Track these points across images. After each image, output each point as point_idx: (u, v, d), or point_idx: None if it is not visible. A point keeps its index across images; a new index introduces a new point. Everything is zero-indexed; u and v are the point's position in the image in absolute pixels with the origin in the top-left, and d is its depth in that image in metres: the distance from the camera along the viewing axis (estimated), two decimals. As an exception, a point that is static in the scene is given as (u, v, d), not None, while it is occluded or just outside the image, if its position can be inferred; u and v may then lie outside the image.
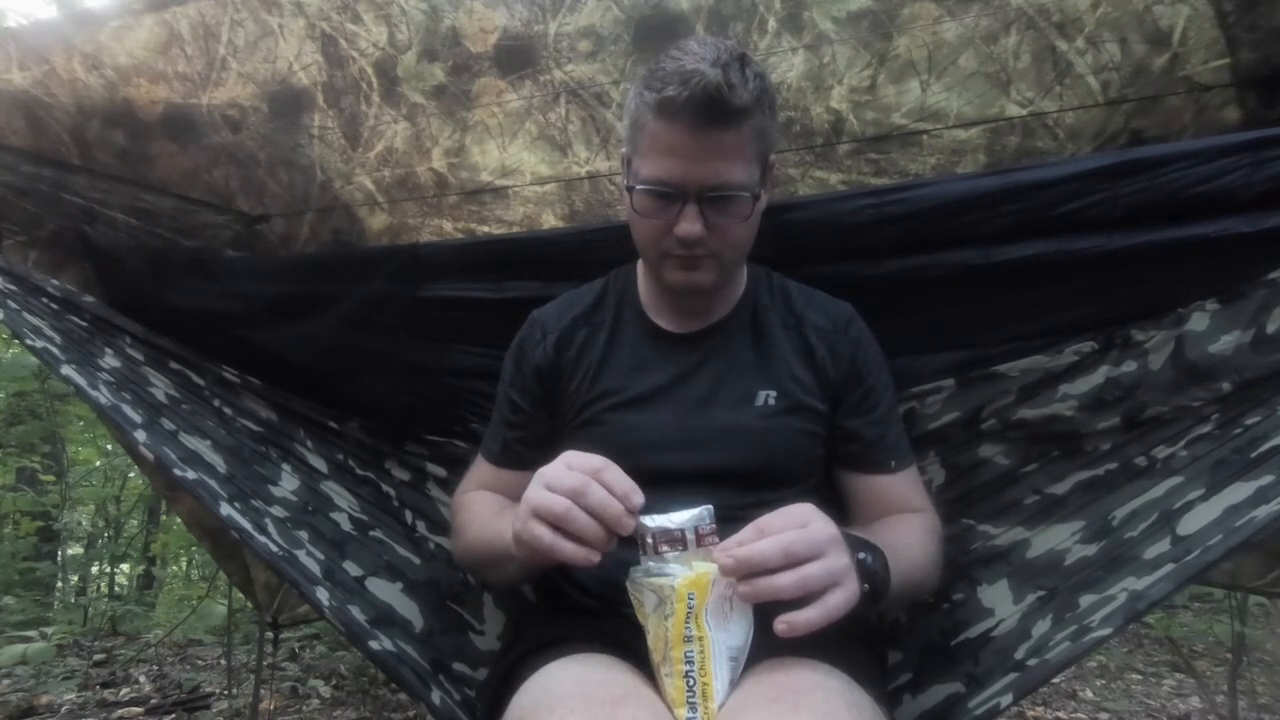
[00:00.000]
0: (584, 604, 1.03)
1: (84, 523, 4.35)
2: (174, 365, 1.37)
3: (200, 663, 2.90)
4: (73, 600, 4.00)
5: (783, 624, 0.72)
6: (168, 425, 1.19)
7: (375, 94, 1.30)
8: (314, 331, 1.40)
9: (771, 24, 1.14)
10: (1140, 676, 2.95)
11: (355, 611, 1.13)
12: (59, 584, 4.16)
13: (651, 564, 0.77)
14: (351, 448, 1.48)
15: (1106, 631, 0.92)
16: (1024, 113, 1.11)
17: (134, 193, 1.40)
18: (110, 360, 1.25)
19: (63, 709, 2.29)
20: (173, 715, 2.28)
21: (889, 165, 1.19)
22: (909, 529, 1.00)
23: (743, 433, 1.01)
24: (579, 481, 0.77)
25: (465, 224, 1.39)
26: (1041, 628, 1.04)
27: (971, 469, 1.23)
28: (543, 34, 1.21)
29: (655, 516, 0.77)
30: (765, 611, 0.75)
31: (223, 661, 2.65)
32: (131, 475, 3.47)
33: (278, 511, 1.22)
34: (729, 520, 0.78)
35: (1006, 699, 0.99)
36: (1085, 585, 1.03)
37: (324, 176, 1.39)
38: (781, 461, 1.02)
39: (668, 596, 0.75)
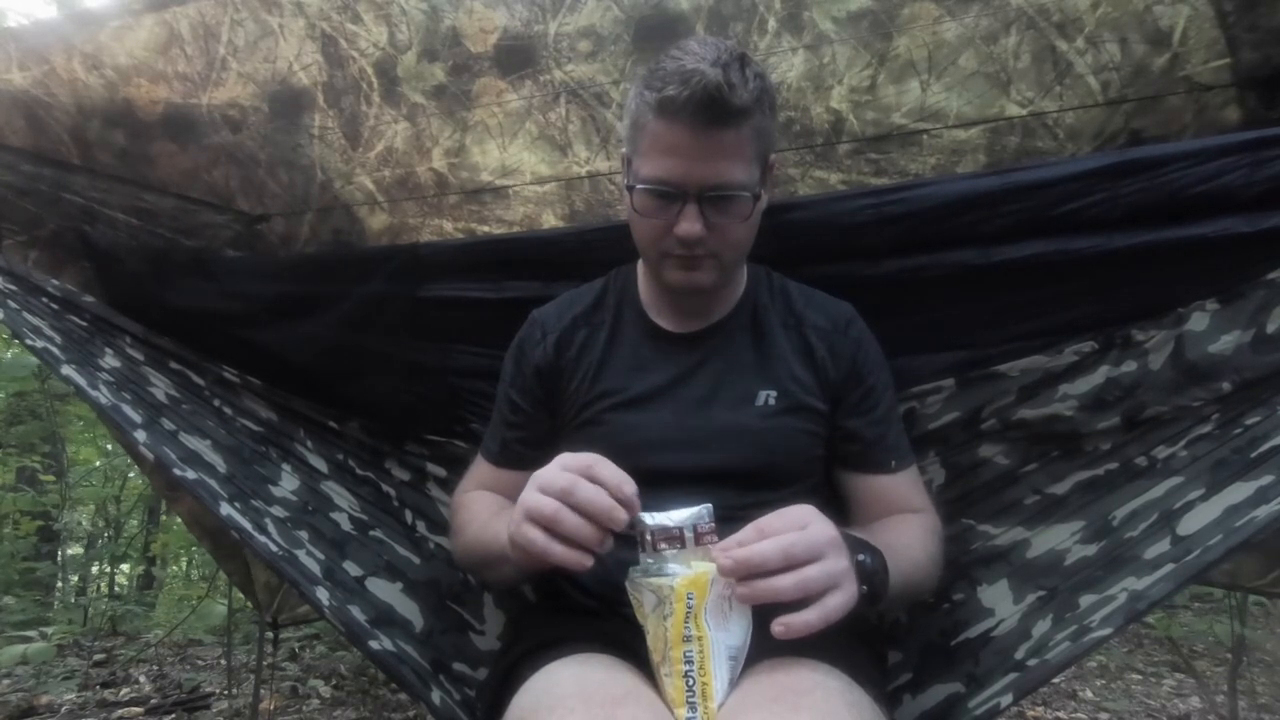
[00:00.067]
0: (584, 604, 1.03)
1: (84, 523, 4.35)
2: (174, 365, 1.37)
3: (200, 663, 2.90)
4: (73, 600, 4.00)
5: (780, 626, 0.72)
6: (168, 425, 1.19)
7: (375, 94, 1.30)
8: (314, 331, 1.40)
9: (771, 24, 1.14)
10: (1140, 676, 2.95)
11: (355, 611, 1.13)
12: (59, 584, 4.16)
13: (650, 563, 0.77)
14: (351, 448, 1.48)
15: (1106, 631, 0.92)
16: (1024, 113, 1.11)
17: (134, 193, 1.40)
18: (110, 360, 1.25)
19: (63, 709, 2.29)
20: (173, 715, 2.28)
21: (889, 165, 1.19)
22: (909, 529, 1.00)
23: (743, 433, 1.01)
24: (568, 481, 0.77)
25: (465, 224, 1.39)
26: (1041, 628, 1.04)
27: (971, 469, 1.23)
28: (543, 34, 1.21)
29: (655, 514, 0.77)
30: (764, 611, 0.75)
31: (223, 661, 2.65)
32: (131, 475, 3.47)
33: (278, 511, 1.22)
34: (729, 520, 0.78)
35: (1006, 699, 0.99)
36: (1085, 585, 1.03)
37: (324, 176, 1.39)
38: (781, 461, 1.02)
39: (667, 596, 0.75)
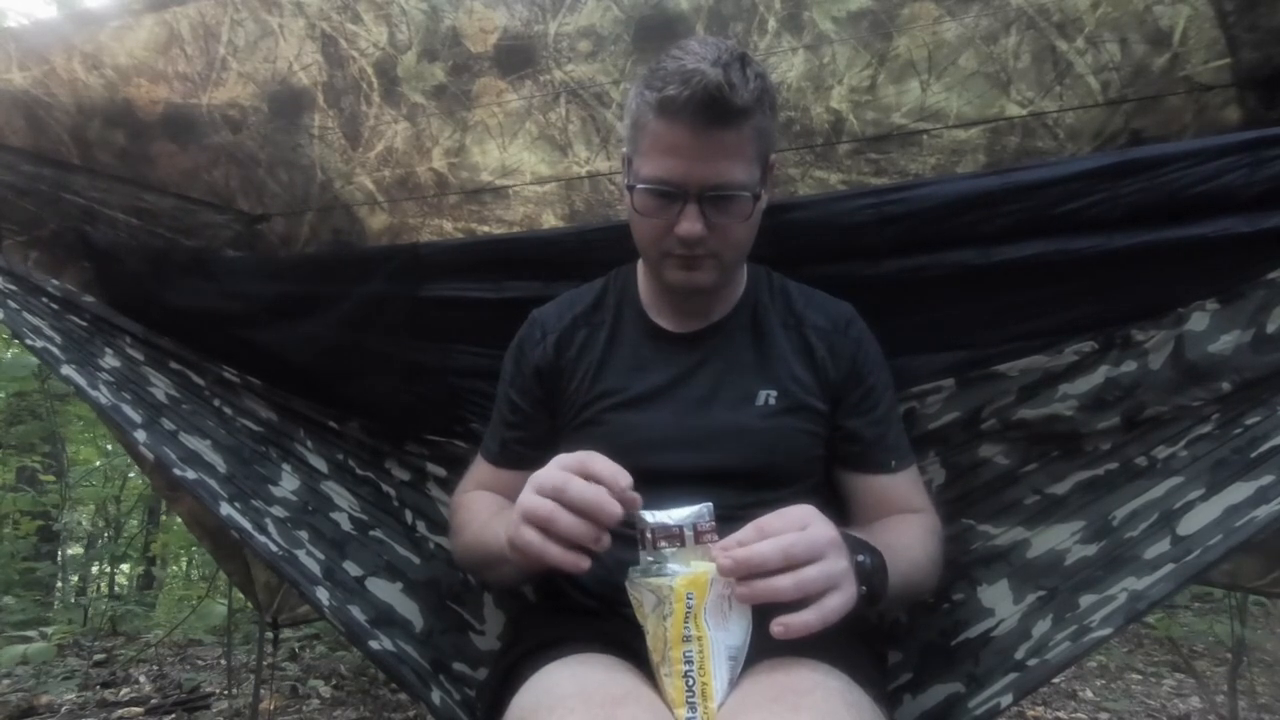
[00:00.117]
0: (584, 604, 1.03)
1: (84, 523, 4.35)
2: (174, 365, 1.37)
3: (200, 663, 2.90)
4: (73, 600, 4.00)
5: (779, 626, 0.72)
6: (168, 425, 1.19)
7: (375, 94, 1.30)
8: (314, 331, 1.40)
9: (771, 24, 1.14)
10: (1140, 676, 2.95)
11: (355, 611, 1.13)
12: (59, 584, 4.16)
13: (650, 561, 0.77)
14: (351, 448, 1.48)
15: (1106, 631, 0.92)
16: (1024, 113, 1.11)
17: (134, 193, 1.40)
18: (110, 360, 1.25)
19: (63, 709, 2.29)
20: (173, 715, 2.28)
21: (889, 165, 1.19)
22: (909, 530, 1.00)
23: (743, 432, 1.01)
24: (561, 480, 0.77)
25: (465, 224, 1.39)
26: (1041, 628, 1.04)
27: (971, 469, 1.23)
28: (543, 34, 1.20)
29: (655, 512, 0.77)
30: (764, 611, 0.75)
31: (223, 661, 2.65)
32: (131, 475, 3.47)
33: (278, 511, 1.22)
34: (729, 520, 0.78)
35: (1006, 699, 0.99)
36: (1085, 585, 1.03)
37: (324, 176, 1.39)
38: (781, 461, 1.02)
39: (666, 596, 0.75)
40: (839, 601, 0.74)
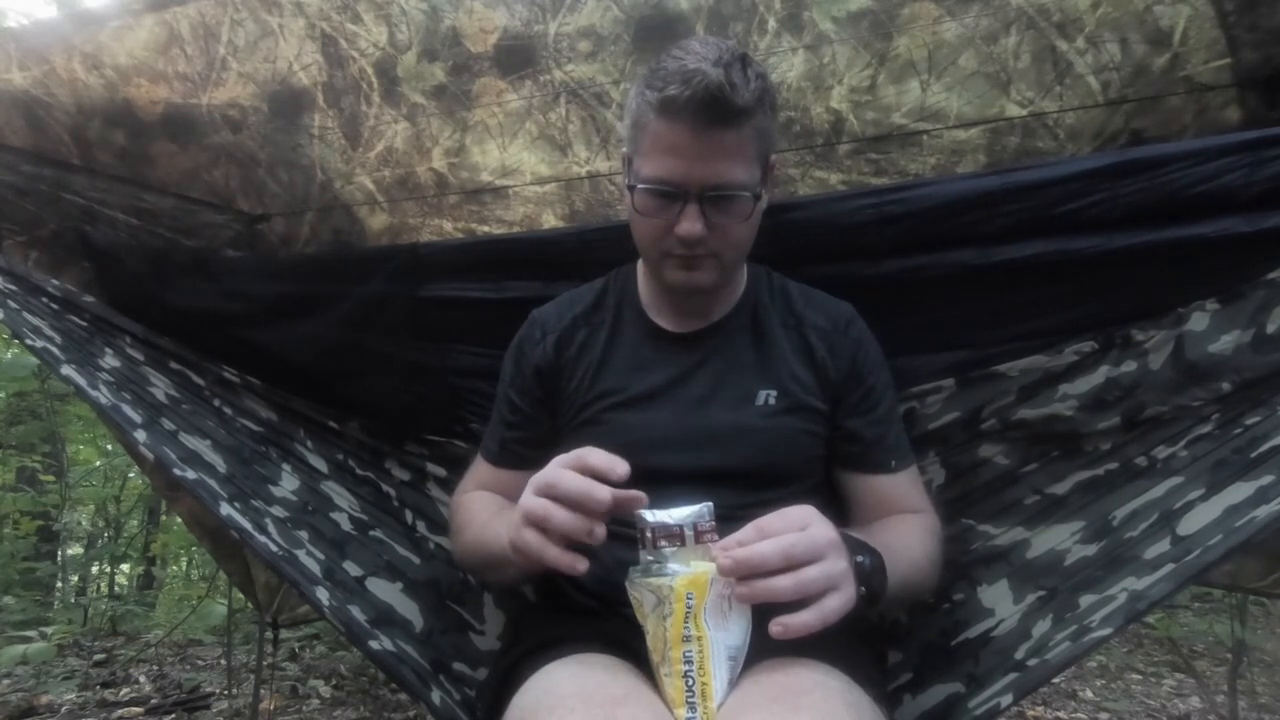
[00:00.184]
0: (584, 604, 1.03)
1: (84, 523, 4.35)
2: (174, 365, 1.37)
3: (200, 663, 2.90)
4: (73, 600, 4.00)
5: (778, 626, 0.72)
6: (168, 425, 1.19)
7: (375, 94, 1.30)
8: (314, 331, 1.40)
9: (771, 24, 1.14)
10: (1140, 676, 2.95)
11: (355, 611, 1.13)
12: (59, 584, 4.16)
13: (650, 561, 0.77)
14: (351, 448, 1.48)
15: (1106, 631, 0.92)
16: (1024, 113, 1.11)
17: (134, 193, 1.40)
18: (110, 360, 1.25)
19: (63, 709, 2.29)
20: (173, 715, 2.28)
21: (889, 165, 1.19)
22: (908, 530, 1.00)
23: (743, 432, 1.01)
24: (554, 476, 0.78)
25: (465, 224, 1.39)
26: (1042, 628, 1.04)
27: (971, 469, 1.23)
28: (543, 34, 1.20)
29: (655, 512, 0.77)
30: (764, 611, 0.75)
31: (223, 661, 2.65)
32: (131, 475, 3.47)
33: (278, 511, 1.22)
34: (729, 520, 0.78)
35: (1006, 699, 0.99)
36: (1085, 585, 1.03)
37: (324, 176, 1.39)
38: (781, 461, 1.02)
39: (666, 596, 0.75)
40: (838, 602, 0.74)
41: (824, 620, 0.73)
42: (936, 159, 1.17)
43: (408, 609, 1.26)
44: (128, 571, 4.57)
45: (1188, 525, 0.97)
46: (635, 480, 0.77)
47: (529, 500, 0.79)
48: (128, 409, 1.14)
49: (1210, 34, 1.02)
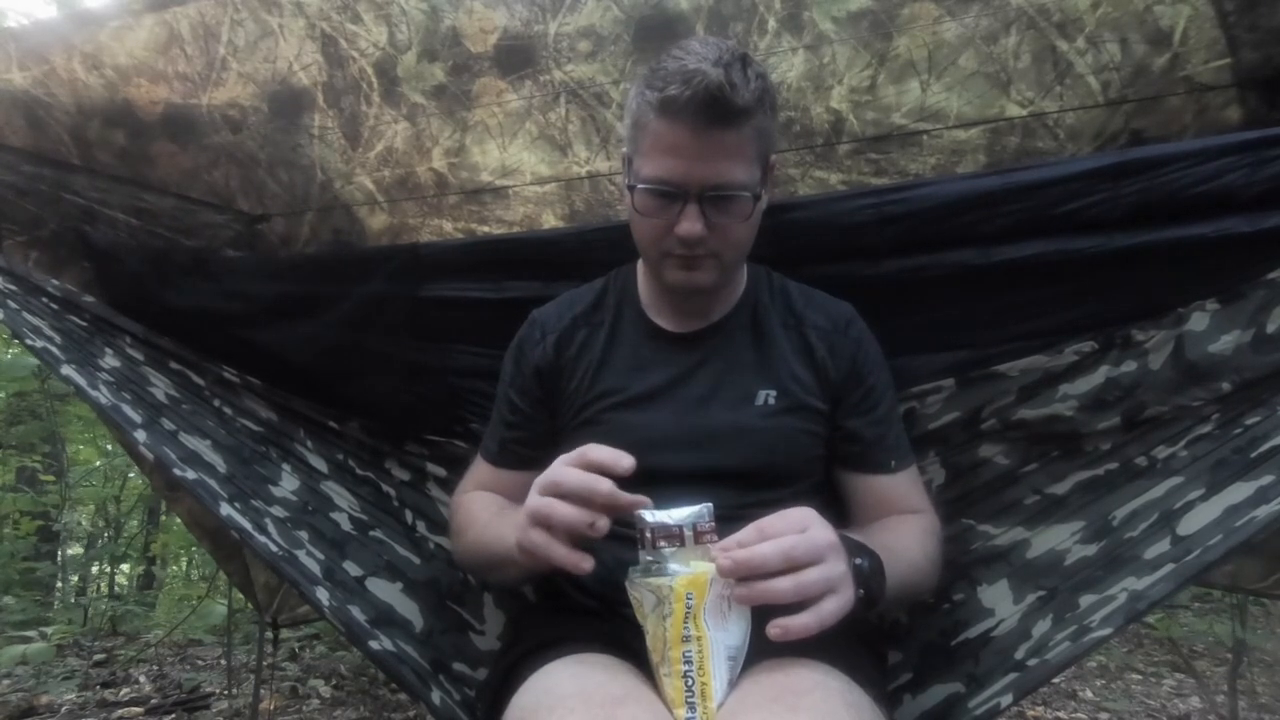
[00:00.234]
0: (584, 604, 1.03)
1: (84, 523, 4.35)
2: (174, 365, 1.37)
3: (200, 663, 2.90)
4: (73, 600, 4.00)
5: (776, 628, 0.73)
6: (168, 425, 1.19)
7: (375, 94, 1.30)
8: (314, 331, 1.40)
9: (771, 24, 1.14)
10: (1140, 676, 2.95)
11: (355, 611, 1.13)
12: (59, 584, 4.16)
13: (650, 561, 0.77)
14: (351, 448, 1.48)
15: (1106, 631, 0.92)
16: (1024, 113, 1.11)
17: (134, 193, 1.40)
18: (110, 360, 1.25)
19: (63, 709, 2.29)
20: (173, 715, 2.28)
21: (889, 165, 1.19)
22: (908, 530, 1.00)
23: (743, 432, 1.01)
24: (557, 473, 0.79)
25: (465, 224, 1.39)
26: (1041, 628, 1.04)
27: (971, 469, 1.23)
28: (543, 34, 1.20)
29: (654, 512, 0.77)
30: (764, 612, 0.75)
31: (223, 661, 2.65)
32: (131, 475, 3.47)
33: (278, 511, 1.22)
34: (729, 520, 0.78)
35: (1006, 699, 0.99)
36: (1085, 585, 1.03)
37: (324, 176, 1.39)
38: (781, 461, 1.02)
39: (666, 596, 0.75)
40: (836, 605, 0.75)
41: (822, 623, 0.73)
42: (936, 159, 1.17)
43: (408, 609, 1.26)
44: (128, 571, 4.57)
45: (1188, 525, 0.97)
46: (635, 480, 0.77)
47: (534, 500, 0.80)
48: (128, 409, 1.14)
49: (1210, 34, 1.02)
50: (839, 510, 1.07)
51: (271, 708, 2.31)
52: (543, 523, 0.79)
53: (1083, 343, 1.15)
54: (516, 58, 1.23)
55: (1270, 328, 1.03)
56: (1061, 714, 2.53)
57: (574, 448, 0.82)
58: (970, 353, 1.20)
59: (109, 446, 4.02)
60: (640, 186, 0.93)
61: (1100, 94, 1.08)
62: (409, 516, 1.44)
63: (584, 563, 0.77)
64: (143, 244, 1.41)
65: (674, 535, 0.76)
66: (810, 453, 1.05)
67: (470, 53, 1.24)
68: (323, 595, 1.08)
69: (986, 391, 1.20)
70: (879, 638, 1.19)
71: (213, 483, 1.13)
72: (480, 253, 1.34)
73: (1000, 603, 1.13)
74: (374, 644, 1.07)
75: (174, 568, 5.01)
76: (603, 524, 0.77)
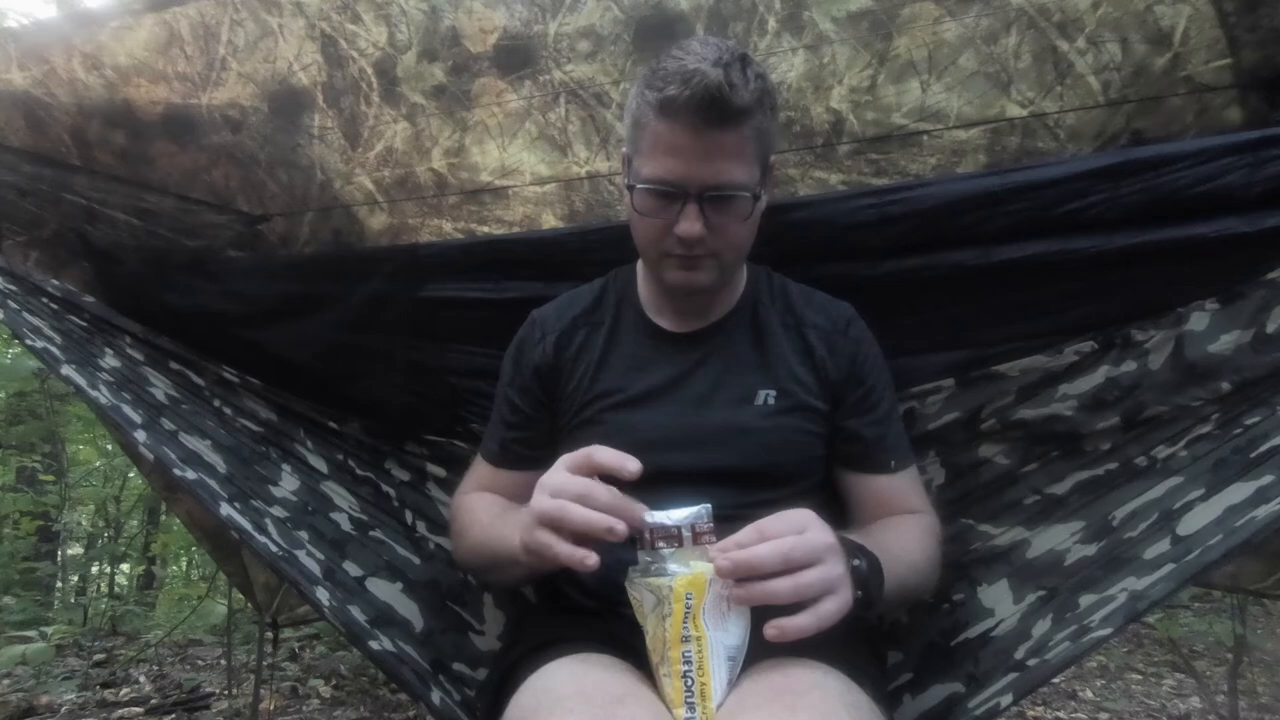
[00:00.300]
0: (584, 604, 1.03)
1: (84, 523, 4.35)
2: (174, 365, 1.37)
3: (200, 663, 2.90)
4: (73, 600, 3.99)
5: (774, 629, 0.73)
6: (168, 425, 1.19)
7: (375, 94, 1.30)
8: (314, 331, 1.40)
9: (771, 24, 1.14)
10: (1140, 676, 2.95)
11: (355, 611, 1.13)
12: (59, 584, 4.16)
13: (649, 561, 0.77)
14: (351, 448, 1.48)
15: (1106, 631, 0.92)
16: (1024, 113, 1.11)
17: (134, 193, 1.40)
18: (110, 360, 1.25)
19: (63, 709, 2.29)
20: (173, 715, 2.28)
21: (889, 165, 1.19)
22: (907, 531, 1.00)
23: (742, 432, 1.01)
24: (561, 479, 0.79)
25: (465, 224, 1.39)
26: (1041, 628, 1.04)
27: (971, 469, 1.23)
28: (542, 34, 1.20)
29: (654, 512, 0.77)
30: (763, 612, 0.75)
31: (223, 661, 2.65)
32: (131, 475, 3.47)
33: (278, 511, 1.22)
34: (728, 520, 0.78)
35: (1006, 699, 0.98)
36: (1085, 585, 1.03)
37: (324, 176, 1.39)
38: (781, 461, 1.02)
39: (665, 596, 0.75)
40: (834, 606, 0.75)
41: (820, 624, 0.73)
42: (937, 159, 1.17)
43: (408, 609, 1.26)
44: (128, 571, 4.56)
45: (1188, 525, 0.97)
46: (635, 480, 0.77)
47: (541, 501, 0.80)
48: (128, 409, 1.14)
49: (1211, 34, 1.02)
50: (838, 510, 1.07)
51: (271, 708, 2.31)
52: (551, 525, 0.78)
53: (1083, 343, 1.15)
54: (516, 58, 1.23)
55: (1270, 328, 1.03)
56: (1061, 714, 2.53)
57: (574, 448, 0.82)
58: (970, 353, 1.21)
59: (109, 446, 4.02)
60: (640, 186, 0.93)
61: (1101, 94, 1.08)
62: (409, 517, 1.44)
63: (589, 559, 0.77)
64: (143, 244, 1.41)
65: (673, 536, 0.76)
66: (810, 453, 1.05)
67: (470, 53, 1.24)
68: (323, 595, 1.08)
69: (986, 391, 1.20)
70: (879, 638, 1.19)
71: (213, 483, 1.13)
72: (480, 253, 1.34)
73: (1000, 603, 1.13)
74: (374, 644, 1.07)
75: (174, 568, 5.01)
76: (621, 528, 0.76)
